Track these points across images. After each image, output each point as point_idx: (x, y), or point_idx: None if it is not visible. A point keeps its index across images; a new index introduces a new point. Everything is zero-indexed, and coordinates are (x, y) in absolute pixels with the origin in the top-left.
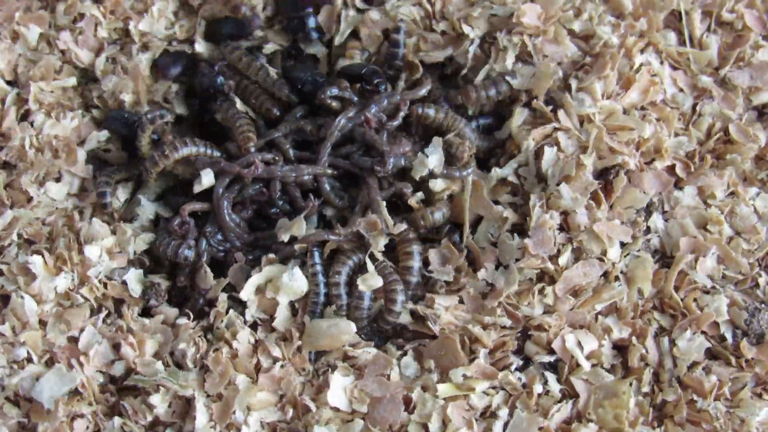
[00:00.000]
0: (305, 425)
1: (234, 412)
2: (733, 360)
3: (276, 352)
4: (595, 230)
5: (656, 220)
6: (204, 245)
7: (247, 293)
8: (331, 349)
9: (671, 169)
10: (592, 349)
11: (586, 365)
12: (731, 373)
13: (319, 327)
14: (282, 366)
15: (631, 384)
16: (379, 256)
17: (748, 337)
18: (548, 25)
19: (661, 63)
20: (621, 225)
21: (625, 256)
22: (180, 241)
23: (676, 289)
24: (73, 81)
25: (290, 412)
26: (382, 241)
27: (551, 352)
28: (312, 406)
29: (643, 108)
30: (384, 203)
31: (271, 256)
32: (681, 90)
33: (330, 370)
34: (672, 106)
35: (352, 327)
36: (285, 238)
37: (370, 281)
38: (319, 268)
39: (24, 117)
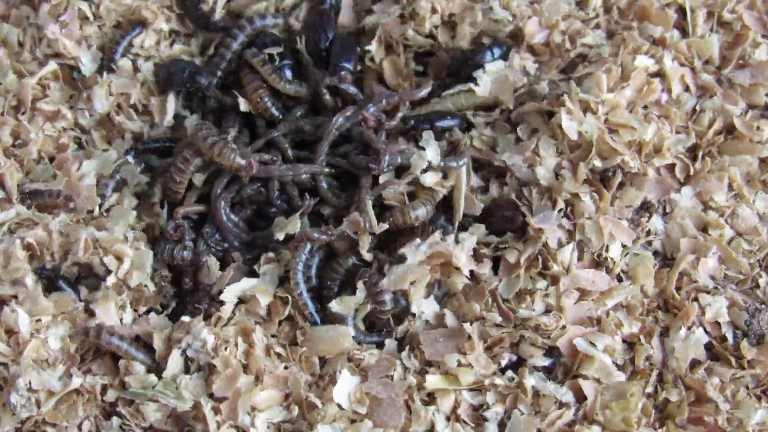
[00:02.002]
0: (310, 424)
1: (241, 414)
2: (733, 361)
3: (283, 353)
4: (600, 222)
5: (656, 222)
6: (202, 245)
7: (228, 296)
8: (332, 354)
9: (671, 168)
10: (606, 345)
11: (605, 359)
12: (732, 374)
13: (318, 332)
14: (286, 367)
15: (642, 386)
16: (367, 257)
17: (748, 337)
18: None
19: (673, 60)
20: (626, 225)
21: (625, 255)
22: (175, 244)
23: (678, 289)
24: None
25: (295, 411)
26: (368, 240)
27: (547, 354)
28: (318, 402)
29: (646, 107)
30: (371, 202)
31: (270, 255)
32: (687, 89)
33: (339, 369)
34: (676, 107)
35: (350, 331)
36: (281, 236)
37: (344, 304)
38: (300, 270)
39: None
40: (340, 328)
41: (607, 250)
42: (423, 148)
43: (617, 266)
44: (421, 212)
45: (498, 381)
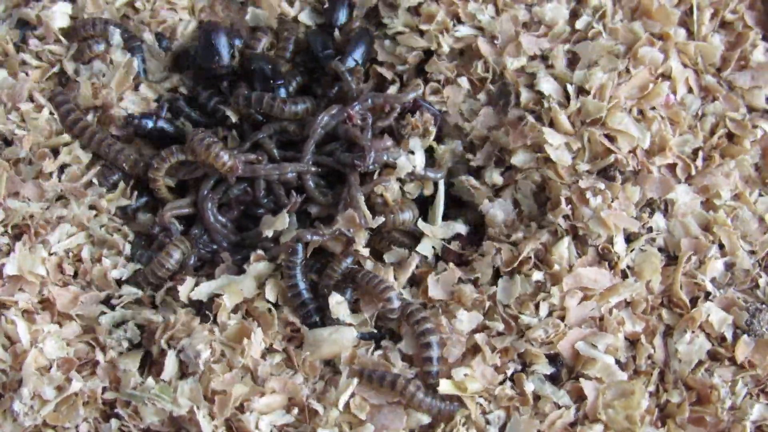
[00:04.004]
0: (313, 428)
1: (242, 418)
2: (727, 361)
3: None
4: (602, 216)
5: (658, 221)
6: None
7: (199, 295)
8: (335, 355)
9: (673, 167)
10: (608, 344)
11: (607, 360)
12: (733, 373)
13: (320, 335)
14: (295, 371)
15: (644, 384)
16: (364, 252)
17: (748, 335)
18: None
19: (680, 63)
20: (627, 216)
21: (630, 251)
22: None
23: (681, 287)
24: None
25: (298, 414)
26: (363, 237)
27: (551, 360)
28: (320, 408)
29: (654, 108)
30: (363, 198)
31: (260, 253)
32: (690, 90)
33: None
34: (682, 108)
35: (354, 333)
36: (269, 233)
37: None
38: (298, 271)
39: None
40: (342, 329)
41: (611, 243)
42: (411, 152)
43: (622, 261)
44: (407, 216)
45: (507, 391)
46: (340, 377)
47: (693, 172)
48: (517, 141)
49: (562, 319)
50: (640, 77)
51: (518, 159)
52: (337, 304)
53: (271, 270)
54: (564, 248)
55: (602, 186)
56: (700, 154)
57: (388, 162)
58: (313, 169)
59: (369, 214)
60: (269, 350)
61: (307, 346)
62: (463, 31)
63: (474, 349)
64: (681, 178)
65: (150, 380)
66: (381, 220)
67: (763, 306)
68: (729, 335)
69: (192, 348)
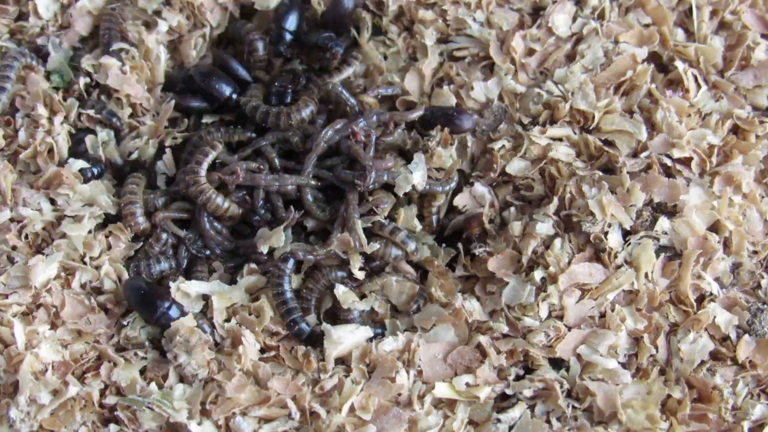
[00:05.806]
0: (315, 430)
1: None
2: (729, 360)
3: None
4: (603, 200)
5: (662, 222)
6: (183, 252)
7: (188, 289)
8: (347, 352)
9: (688, 161)
10: (609, 344)
11: (609, 363)
12: (735, 372)
13: (344, 331)
14: (297, 372)
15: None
16: (359, 275)
17: (749, 335)
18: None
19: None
20: (624, 210)
21: (627, 245)
22: (147, 260)
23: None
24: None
25: (299, 418)
26: (358, 260)
27: (554, 364)
28: (322, 412)
29: (655, 101)
30: (360, 221)
31: (252, 266)
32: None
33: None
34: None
35: (370, 332)
36: (264, 249)
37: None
38: (286, 280)
39: None
40: (361, 328)
41: (605, 236)
42: (410, 171)
43: (614, 252)
44: (411, 247)
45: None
46: (347, 378)
47: (708, 168)
48: (489, 170)
49: (562, 319)
50: (619, 64)
51: (513, 167)
52: (344, 293)
53: (263, 283)
54: (559, 247)
55: (598, 177)
56: (715, 150)
57: (389, 182)
58: (312, 183)
59: (364, 238)
60: (265, 349)
61: (329, 343)
62: (475, 28)
63: (480, 351)
64: (695, 172)
65: (153, 385)
66: (376, 246)
67: (765, 306)
68: (732, 335)
69: (190, 366)
